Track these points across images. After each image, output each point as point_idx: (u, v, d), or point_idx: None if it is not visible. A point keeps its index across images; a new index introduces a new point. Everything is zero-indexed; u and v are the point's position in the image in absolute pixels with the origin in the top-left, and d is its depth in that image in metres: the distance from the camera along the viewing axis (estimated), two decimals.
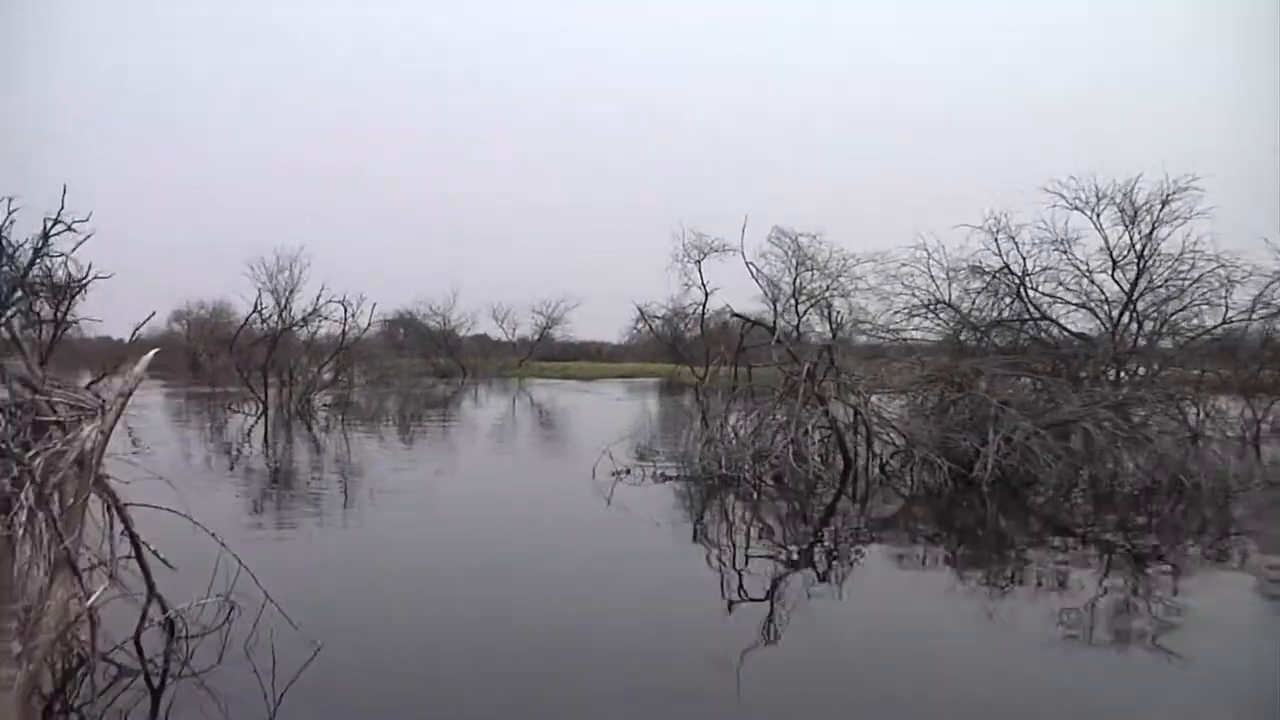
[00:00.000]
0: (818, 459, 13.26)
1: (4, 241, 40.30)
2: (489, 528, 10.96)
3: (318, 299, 28.71)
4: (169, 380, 38.96)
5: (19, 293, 40.08)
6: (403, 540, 9.99)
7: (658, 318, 51.99)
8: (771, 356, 15.19)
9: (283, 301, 29.03)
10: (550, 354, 75.49)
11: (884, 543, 10.67)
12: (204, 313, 57.34)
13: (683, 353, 50.35)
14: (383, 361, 48.42)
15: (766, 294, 47.37)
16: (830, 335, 50.15)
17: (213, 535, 5.79)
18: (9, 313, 39.64)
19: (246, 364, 28.11)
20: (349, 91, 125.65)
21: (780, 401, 14.22)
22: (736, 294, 68.94)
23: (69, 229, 40.11)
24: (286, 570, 7.82)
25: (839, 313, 49.47)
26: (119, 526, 5.58)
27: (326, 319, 29.66)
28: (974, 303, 22.45)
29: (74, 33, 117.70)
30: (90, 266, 40.15)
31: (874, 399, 15.27)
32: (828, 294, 48.12)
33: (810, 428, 13.26)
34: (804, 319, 48.06)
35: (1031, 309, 22.13)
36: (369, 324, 28.00)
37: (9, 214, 39.76)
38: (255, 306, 28.27)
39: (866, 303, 48.63)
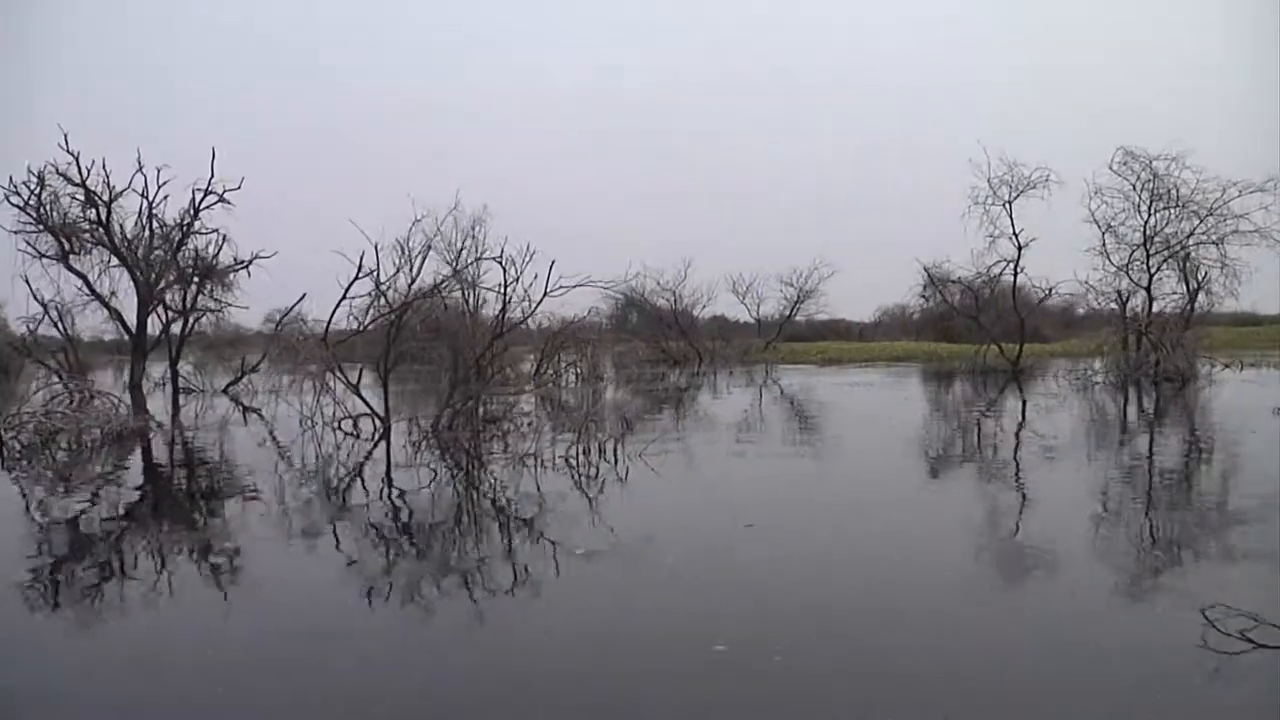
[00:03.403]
0: None
1: (154, 220, 34.02)
2: None
3: (456, 259, 19.13)
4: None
5: (169, 277, 33.75)
6: None
7: (952, 281, 39.96)
8: None
9: (416, 267, 18.77)
10: (796, 334, 64.80)
11: None
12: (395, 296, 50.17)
13: (988, 328, 38.14)
14: (601, 348, 39.54)
15: (1103, 242, 34.78)
16: (1188, 297, 37.15)
17: None
18: (151, 305, 33.51)
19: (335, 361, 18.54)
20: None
21: None
22: (1050, 248, 50.59)
23: (221, 200, 33.03)
24: None
25: (1203, 267, 35.92)
26: None
27: (474, 287, 20.07)
28: None
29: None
30: (223, 239, 32.78)
31: None
32: (1191, 240, 34.78)
33: None
34: (1156, 275, 34.90)
35: None
36: (545, 293, 17.68)
37: (159, 187, 33.23)
38: (359, 271, 18.37)
39: (1251, 251, 35.44)
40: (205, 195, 32.13)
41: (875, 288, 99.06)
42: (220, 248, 32.75)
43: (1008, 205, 35.64)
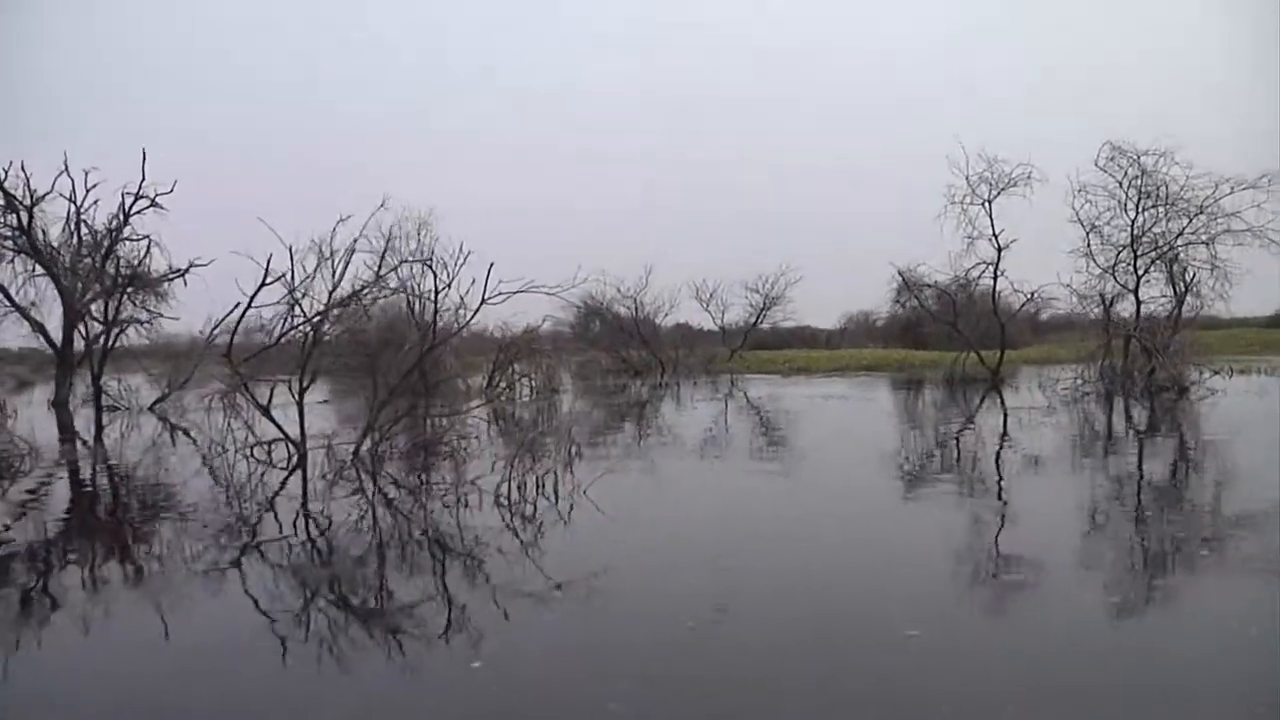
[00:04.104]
0: None
1: (83, 227, 31.01)
2: None
3: (379, 263, 16.54)
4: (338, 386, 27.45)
5: (95, 287, 30.91)
6: None
7: (928, 285, 37.88)
8: None
9: (337, 271, 16.11)
10: (761, 342, 62.81)
11: None
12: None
13: (967, 334, 36.07)
14: (559, 359, 37.29)
15: (1088, 243, 32.79)
16: (1175, 301, 35.31)
17: None
18: (80, 317, 30.47)
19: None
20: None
21: None
22: (1030, 250, 47.51)
23: (153, 204, 30.35)
24: None
25: (1191, 269, 33.97)
26: None
27: (414, 294, 17.77)
28: None
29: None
30: (149, 245, 29.85)
31: None
32: (1179, 240, 32.91)
33: None
34: (1144, 277, 32.95)
35: None
36: (483, 299, 15.17)
37: (88, 190, 30.23)
38: (265, 276, 15.75)
39: (1243, 252, 33.58)
40: (136, 199, 29.63)
41: (841, 294, 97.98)
42: (148, 254, 30.29)
43: (987, 204, 33.67)
